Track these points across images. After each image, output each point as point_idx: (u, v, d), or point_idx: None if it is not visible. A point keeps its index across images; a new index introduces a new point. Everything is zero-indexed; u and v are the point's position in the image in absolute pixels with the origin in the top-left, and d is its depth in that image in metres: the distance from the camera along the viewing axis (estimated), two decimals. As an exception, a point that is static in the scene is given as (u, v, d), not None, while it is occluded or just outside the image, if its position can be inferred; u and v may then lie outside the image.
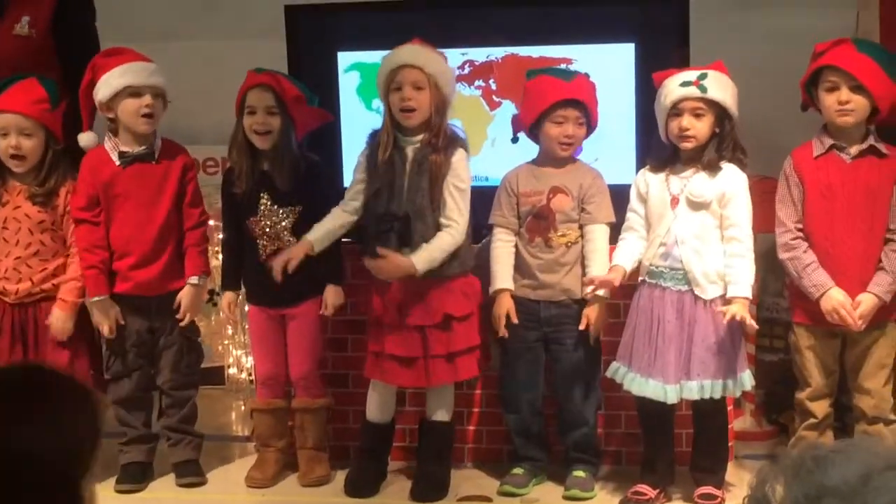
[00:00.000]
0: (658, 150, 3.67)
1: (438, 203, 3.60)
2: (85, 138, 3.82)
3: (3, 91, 3.76)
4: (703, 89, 3.50)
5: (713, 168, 3.54)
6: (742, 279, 3.50)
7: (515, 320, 3.68)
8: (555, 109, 3.65)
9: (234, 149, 3.81)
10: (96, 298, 3.75)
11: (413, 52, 3.63)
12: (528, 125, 3.73)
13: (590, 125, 3.70)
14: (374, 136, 3.71)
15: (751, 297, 3.52)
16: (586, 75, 3.76)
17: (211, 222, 4.74)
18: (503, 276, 3.72)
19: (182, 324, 3.81)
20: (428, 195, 3.59)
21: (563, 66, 3.93)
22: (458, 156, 3.62)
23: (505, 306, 3.68)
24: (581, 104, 3.64)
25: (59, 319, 3.73)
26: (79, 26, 4.36)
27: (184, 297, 3.79)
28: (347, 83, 4.23)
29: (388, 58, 3.66)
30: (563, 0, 4.28)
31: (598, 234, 3.67)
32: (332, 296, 3.80)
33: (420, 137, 3.62)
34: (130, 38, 4.15)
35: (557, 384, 3.77)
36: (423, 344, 3.64)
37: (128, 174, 3.77)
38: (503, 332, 3.68)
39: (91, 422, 1.78)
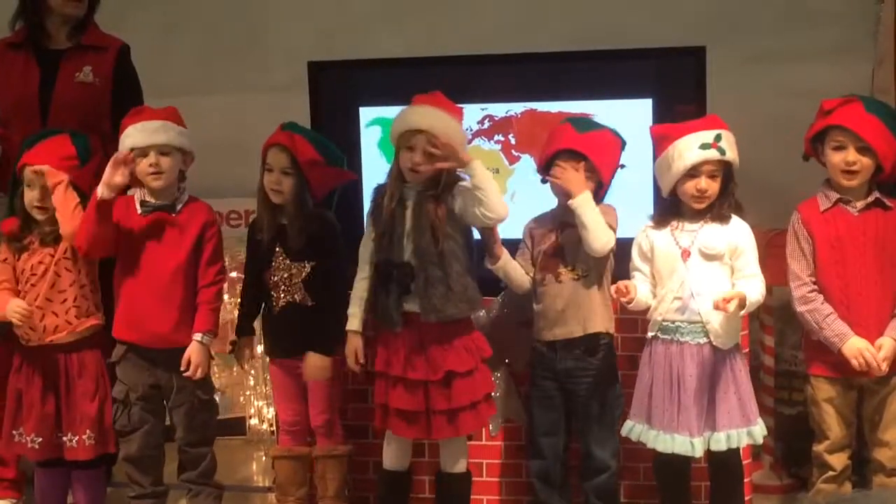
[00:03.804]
0: (660, 206, 3.71)
1: (446, 245, 3.60)
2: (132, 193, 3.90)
3: (35, 144, 3.85)
4: (722, 151, 3.54)
5: (724, 220, 3.58)
6: (749, 286, 3.53)
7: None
8: (557, 157, 3.68)
9: (258, 200, 3.89)
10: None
11: (429, 117, 3.62)
12: (541, 170, 3.77)
13: (600, 182, 3.67)
14: (378, 191, 3.76)
15: (749, 301, 3.51)
16: (612, 132, 3.74)
17: (234, 274, 4.83)
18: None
19: (188, 375, 3.79)
20: (431, 235, 3.60)
21: (592, 117, 3.92)
22: (457, 188, 3.63)
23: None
24: (584, 157, 3.63)
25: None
26: (133, 80, 4.47)
27: (191, 353, 3.79)
28: (369, 138, 4.29)
29: (404, 116, 3.67)
30: (581, 56, 4.33)
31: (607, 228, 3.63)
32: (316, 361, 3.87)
33: (421, 187, 3.65)
34: (157, 92, 4.23)
35: (579, 431, 3.77)
36: (426, 398, 3.66)
37: (148, 224, 3.82)
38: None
39: None
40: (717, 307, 3.45)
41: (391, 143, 3.73)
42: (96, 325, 3.88)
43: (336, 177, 3.95)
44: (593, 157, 3.64)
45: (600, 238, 3.58)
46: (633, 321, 3.93)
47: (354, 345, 3.75)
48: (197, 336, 3.80)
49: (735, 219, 3.60)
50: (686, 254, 3.59)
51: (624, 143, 3.75)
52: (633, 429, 3.67)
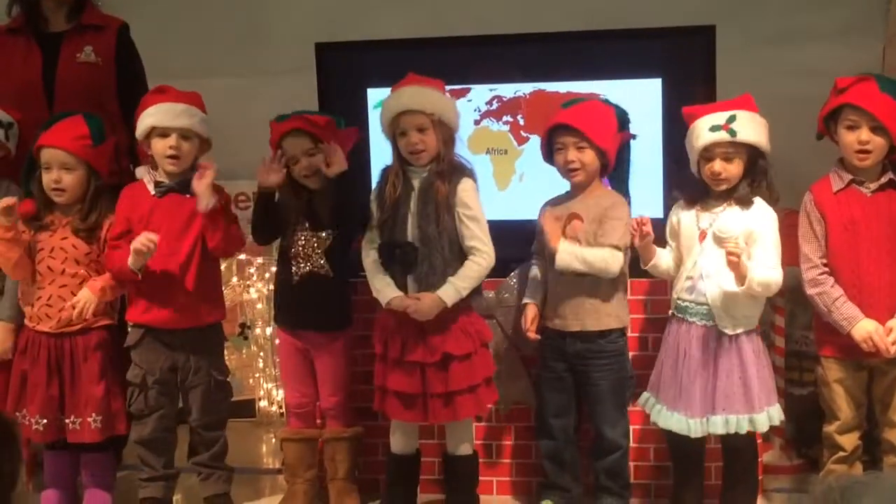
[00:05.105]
0: (690, 184, 3.67)
1: (445, 230, 3.61)
2: (141, 171, 3.89)
3: (50, 127, 3.82)
4: (733, 133, 3.50)
5: (745, 204, 3.55)
6: (759, 269, 3.48)
7: (533, 334, 3.75)
8: (553, 137, 3.68)
9: (281, 191, 3.86)
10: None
11: (412, 96, 3.63)
12: (544, 156, 3.77)
13: (602, 153, 3.65)
14: (385, 174, 3.76)
15: (756, 279, 3.46)
16: (600, 101, 3.76)
17: (242, 256, 4.83)
18: (530, 292, 3.80)
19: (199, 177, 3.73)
20: (435, 222, 3.61)
21: (601, 97, 3.90)
22: (464, 185, 3.63)
23: (529, 317, 3.76)
24: (576, 130, 3.62)
25: (86, 299, 3.74)
26: (136, 58, 4.45)
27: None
28: (377, 119, 4.25)
29: (387, 103, 3.68)
30: (590, 36, 4.31)
31: (603, 251, 3.59)
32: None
33: (428, 168, 3.66)
34: (164, 75, 4.21)
35: (589, 411, 3.78)
36: (423, 381, 3.65)
37: (162, 204, 3.81)
38: (533, 337, 3.75)
39: (11, 448, 1.96)
40: (728, 255, 3.43)
41: (385, 134, 3.73)
42: (110, 323, 3.88)
43: (347, 138, 3.91)
44: (581, 126, 3.61)
45: (604, 270, 3.59)
46: (643, 303, 3.92)
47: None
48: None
49: (758, 204, 3.56)
50: (703, 235, 3.58)
51: (622, 112, 3.72)
52: (647, 401, 3.71)
